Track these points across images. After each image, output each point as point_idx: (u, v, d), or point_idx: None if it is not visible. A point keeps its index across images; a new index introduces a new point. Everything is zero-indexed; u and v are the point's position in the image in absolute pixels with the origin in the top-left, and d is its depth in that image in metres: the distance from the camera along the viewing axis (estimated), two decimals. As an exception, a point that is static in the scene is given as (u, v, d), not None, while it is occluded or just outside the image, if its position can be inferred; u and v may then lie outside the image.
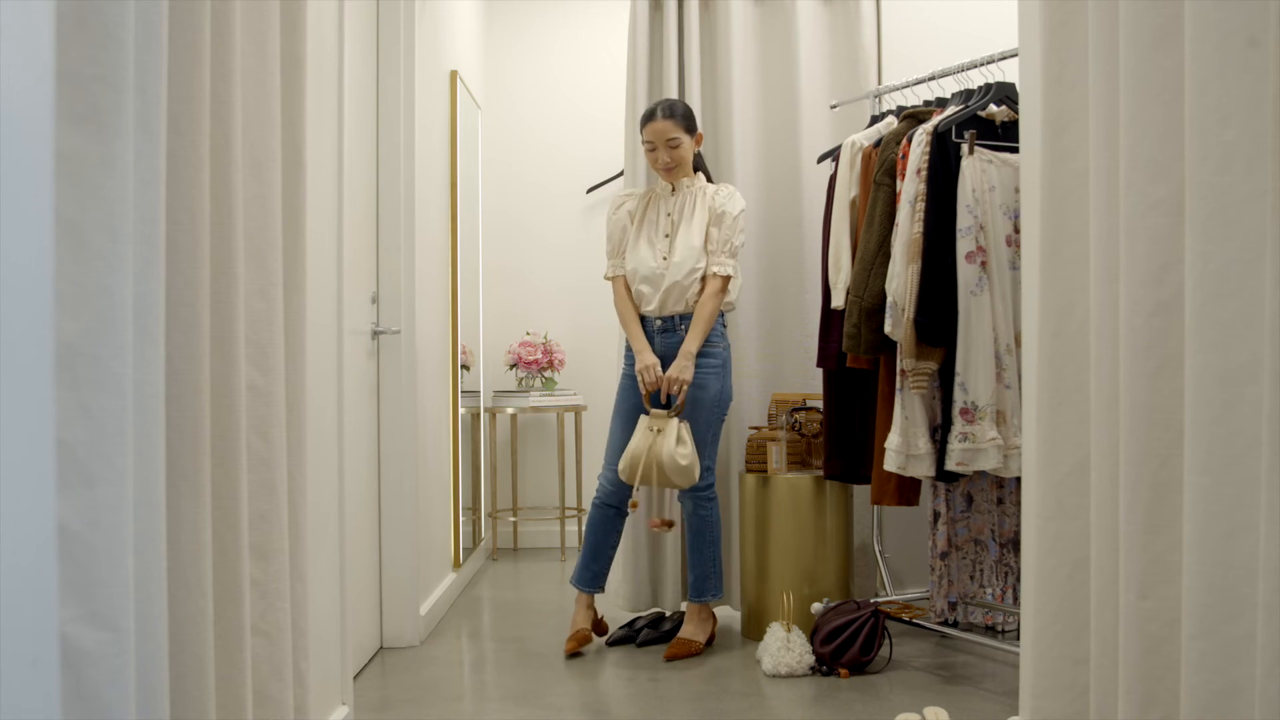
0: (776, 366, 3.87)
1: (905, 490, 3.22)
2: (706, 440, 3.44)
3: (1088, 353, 1.94)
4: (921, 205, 3.02)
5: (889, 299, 3.08)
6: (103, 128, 1.17)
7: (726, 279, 3.38)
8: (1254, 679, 1.42)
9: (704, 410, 3.43)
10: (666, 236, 3.45)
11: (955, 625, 3.37)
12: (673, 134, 3.40)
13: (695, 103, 3.82)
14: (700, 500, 3.46)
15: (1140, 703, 1.70)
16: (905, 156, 3.13)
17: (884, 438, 3.15)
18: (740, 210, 3.41)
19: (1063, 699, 2.03)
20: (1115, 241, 1.78)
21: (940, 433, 3.06)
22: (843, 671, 3.14)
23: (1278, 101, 1.41)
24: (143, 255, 1.30)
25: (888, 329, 3.08)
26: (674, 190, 3.50)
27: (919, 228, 3.01)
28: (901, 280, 3.03)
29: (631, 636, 3.56)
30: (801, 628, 3.32)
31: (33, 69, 1.08)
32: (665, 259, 3.41)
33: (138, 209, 1.27)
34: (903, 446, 3.05)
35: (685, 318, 3.41)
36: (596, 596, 3.57)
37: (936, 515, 3.32)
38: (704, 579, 3.49)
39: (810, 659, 3.17)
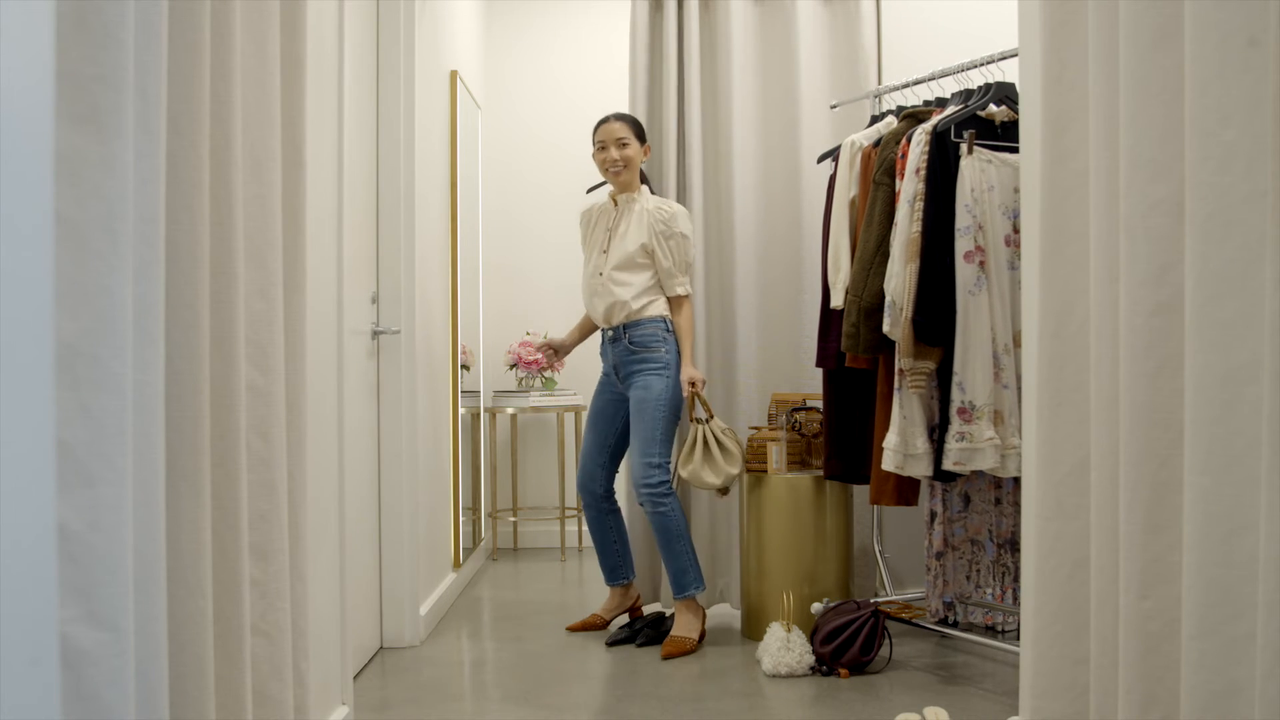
0: (776, 366, 3.87)
1: (904, 490, 3.22)
2: (656, 439, 3.50)
3: (1088, 353, 1.94)
4: (920, 205, 3.02)
5: (887, 298, 3.08)
6: (103, 128, 1.17)
7: (688, 295, 3.59)
8: (1254, 679, 1.42)
9: (650, 409, 3.52)
10: (604, 253, 3.61)
11: (955, 625, 3.37)
12: (622, 134, 3.56)
13: (695, 103, 3.82)
14: (658, 499, 3.47)
15: (1140, 703, 1.70)
16: (904, 156, 3.13)
17: (883, 437, 3.15)
18: (690, 232, 3.60)
19: (1063, 699, 2.03)
20: (1115, 241, 1.78)
21: (938, 432, 3.06)
22: (843, 671, 3.14)
23: (1278, 101, 1.41)
24: (143, 255, 1.30)
25: (886, 328, 3.07)
26: (615, 205, 3.64)
27: (917, 227, 3.01)
28: (900, 279, 3.03)
29: (632, 637, 3.57)
30: (801, 628, 3.32)
31: (33, 69, 1.08)
32: (601, 275, 3.59)
33: (138, 209, 1.27)
34: (900, 446, 3.05)
35: (629, 326, 3.57)
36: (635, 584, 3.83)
37: (933, 515, 3.32)
38: (683, 574, 3.52)
39: (810, 659, 3.17)
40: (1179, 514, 1.62)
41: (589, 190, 5.32)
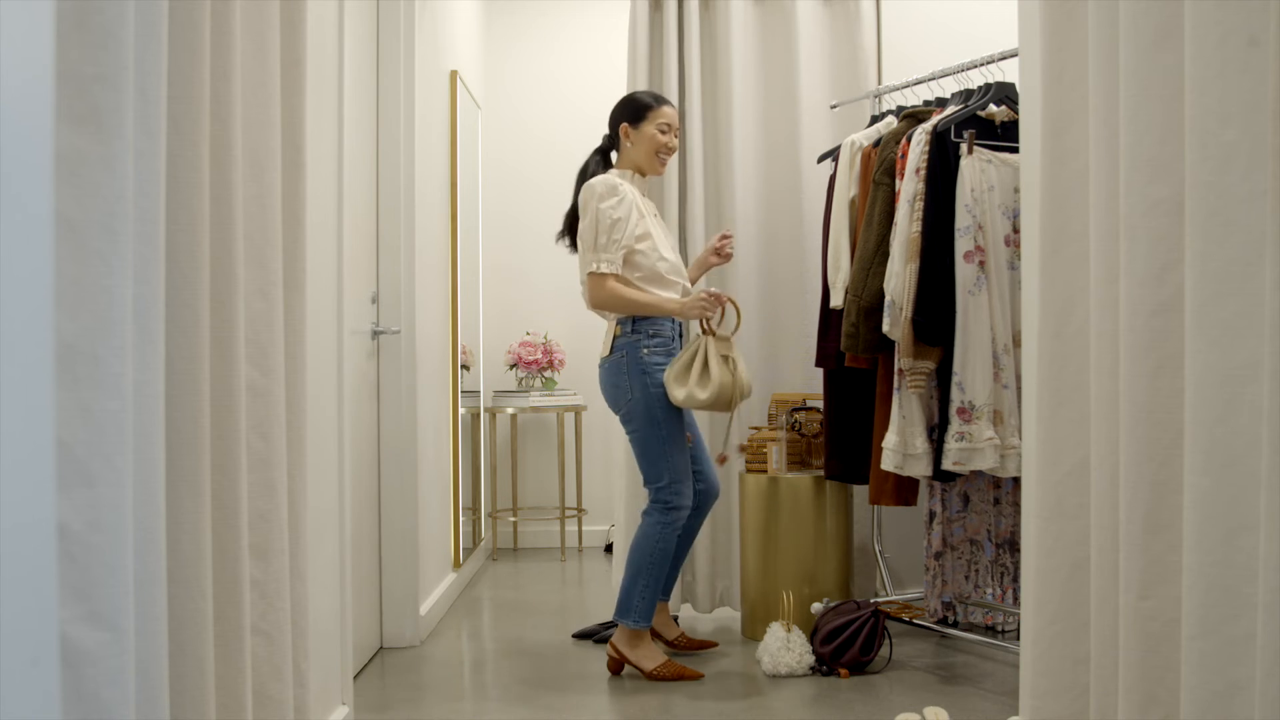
0: (776, 366, 3.87)
1: (903, 490, 3.22)
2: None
3: (1088, 353, 1.94)
4: (920, 205, 3.02)
5: (887, 298, 3.08)
6: (103, 128, 1.17)
7: None
8: (1254, 679, 1.42)
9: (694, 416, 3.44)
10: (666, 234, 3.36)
11: (955, 625, 3.37)
12: (678, 124, 3.36)
13: (695, 102, 3.82)
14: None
15: (1140, 703, 1.70)
16: (904, 156, 3.13)
17: (883, 437, 3.15)
18: None
19: (1063, 699, 2.03)
20: (1115, 241, 1.78)
21: (937, 432, 3.05)
22: (843, 671, 3.14)
23: (1277, 101, 1.41)
24: (142, 255, 1.30)
25: (885, 328, 3.07)
26: (644, 192, 3.37)
27: (917, 227, 3.01)
28: (900, 279, 3.03)
29: (595, 633, 3.59)
30: (801, 628, 3.32)
31: (33, 69, 1.08)
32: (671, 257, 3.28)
33: (137, 209, 1.27)
34: (899, 446, 3.05)
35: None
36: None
37: (932, 515, 3.32)
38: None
39: (810, 659, 3.17)
40: (1179, 514, 1.62)
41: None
